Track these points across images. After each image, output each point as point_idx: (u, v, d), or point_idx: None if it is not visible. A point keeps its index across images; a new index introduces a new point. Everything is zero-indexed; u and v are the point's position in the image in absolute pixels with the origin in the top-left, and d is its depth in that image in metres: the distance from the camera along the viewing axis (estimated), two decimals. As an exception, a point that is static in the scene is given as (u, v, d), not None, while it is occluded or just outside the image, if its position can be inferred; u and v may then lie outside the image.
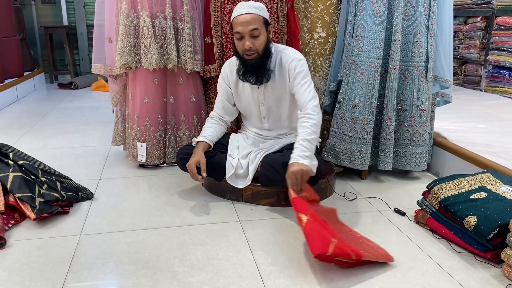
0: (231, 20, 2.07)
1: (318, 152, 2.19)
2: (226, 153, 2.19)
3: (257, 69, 2.06)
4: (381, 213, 2.11)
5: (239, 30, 1.98)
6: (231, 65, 2.19)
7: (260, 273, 1.59)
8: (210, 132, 2.22)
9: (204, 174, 2.07)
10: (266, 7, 2.52)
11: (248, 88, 2.18)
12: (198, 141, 2.18)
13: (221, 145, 2.23)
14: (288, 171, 1.87)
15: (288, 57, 2.08)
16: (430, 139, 2.60)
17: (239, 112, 2.35)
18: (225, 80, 2.24)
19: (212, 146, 2.20)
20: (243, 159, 2.17)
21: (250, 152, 2.18)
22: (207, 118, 2.33)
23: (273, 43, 2.14)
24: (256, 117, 2.26)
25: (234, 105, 2.30)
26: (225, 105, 2.28)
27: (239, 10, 2.00)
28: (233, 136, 2.30)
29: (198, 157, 2.09)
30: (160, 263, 1.64)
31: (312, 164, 1.92)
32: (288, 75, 2.08)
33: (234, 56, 2.15)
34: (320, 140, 2.35)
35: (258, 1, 2.45)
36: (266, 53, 2.05)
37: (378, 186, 2.47)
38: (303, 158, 1.89)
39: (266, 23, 2.03)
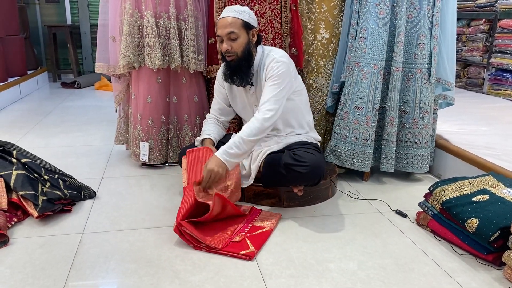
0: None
1: (320, 153, 2.18)
2: None
3: (237, 71, 2.09)
4: (382, 214, 2.12)
5: (219, 33, 2.05)
6: (222, 67, 2.22)
7: (262, 272, 1.59)
8: (211, 130, 2.25)
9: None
10: (270, 8, 2.54)
11: (242, 91, 2.21)
12: (202, 139, 2.21)
13: (223, 145, 2.23)
14: (206, 165, 1.92)
15: (269, 58, 2.08)
16: (432, 141, 2.60)
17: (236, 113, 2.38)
18: (220, 83, 2.28)
19: (216, 143, 2.22)
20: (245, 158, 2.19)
21: (252, 151, 2.18)
22: (204, 120, 2.36)
23: (262, 45, 2.16)
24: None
25: (230, 106, 2.33)
26: (221, 106, 2.31)
27: (222, 13, 2.06)
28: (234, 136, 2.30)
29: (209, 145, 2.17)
30: (162, 262, 1.65)
31: (233, 163, 1.95)
32: (265, 76, 2.09)
33: None
34: (321, 139, 2.35)
35: (255, 4, 2.48)
36: (246, 56, 2.06)
37: (380, 187, 2.47)
38: (226, 155, 1.92)
39: (246, 26, 2.03)
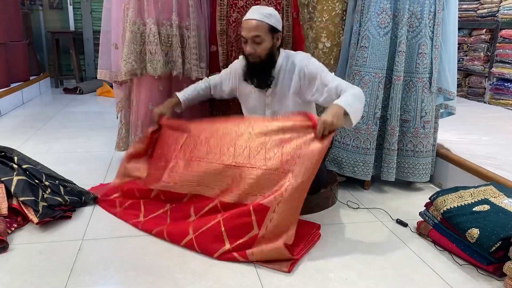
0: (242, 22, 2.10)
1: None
2: None
3: (258, 73, 2.10)
4: (383, 223, 2.11)
5: (243, 34, 2.04)
6: (242, 64, 2.22)
7: (261, 281, 1.59)
8: (191, 93, 2.37)
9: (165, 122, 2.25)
10: (271, 16, 2.55)
11: (258, 92, 2.20)
12: (176, 94, 2.36)
13: None
14: (322, 116, 1.76)
15: (298, 62, 2.08)
16: (433, 151, 2.60)
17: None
18: (232, 74, 2.30)
19: (183, 105, 2.35)
20: None
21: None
22: (204, 78, 2.46)
23: (283, 49, 2.16)
24: None
25: (225, 91, 2.37)
26: (219, 83, 2.37)
27: (248, 14, 2.05)
28: None
29: (164, 109, 2.29)
30: (161, 270, 1.64)
31: (354, 114, 1.82)
32: (299, 76, 2.08)
33: None
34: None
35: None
36: (269, 60, 2.07)
37: (381, 196, 2.46)
38: (345, 103, 1.80)
39: (272, 30, 2.04)
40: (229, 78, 2.32)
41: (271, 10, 2.05)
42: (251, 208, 1.73)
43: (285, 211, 1.70)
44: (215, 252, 1.72)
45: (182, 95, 2.36)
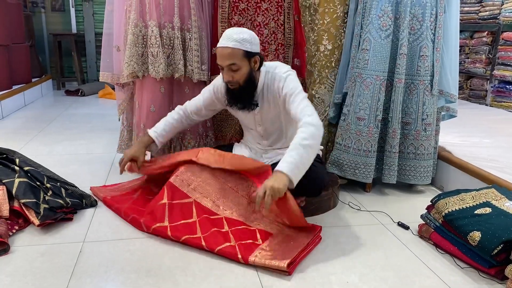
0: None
1: (322, 163, 2.18)
2: None
3: (240, 98, 2.03)
4: (384, 226, 2.11)
5: (218, 62, 1.96)
6: (224, 86, 2.11)
7: (263, 284, 1.58)
8: (164, 128, 2.22)
9: (136, 171, 2.16)
10: (273, 19, 2.56)
11: (245, 111, 2.13)
12: (148, 133, 2.22)
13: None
14: (266, 182, 1.70)
15: (276, 79, 2.00)
16: (435, 153, 2.60)
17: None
18: (217, 94, 2.18)
19: (158, 145, 2.22)
20: None
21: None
22: (176, 108, 2.29)
23: (265, 63, 2.06)
24: (255, 135, 2.26)
25: (211, 109, 2.27)
26: (201, 108, 2.24)
27: (221, 41, 1.93)
28: (237, 148, 2.32)
29: (137, 153, 2.16)
30: (162, 272, 1.64)
31: (297, 174, 1.74)
32: (278, 95, 2.02)
33: None
34: (322, 148, 2.31)
35: (259, 15, 2.44)
36: (249, 84, 1.99)
37: (382, 199, 2.46)
38: (289, 167, 1.71)
39: (248, 54, 1.93)
40: (216, 98, 2.19)
41: (245, 34, 1.93)
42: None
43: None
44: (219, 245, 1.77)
45: (154, 131, 2.20)
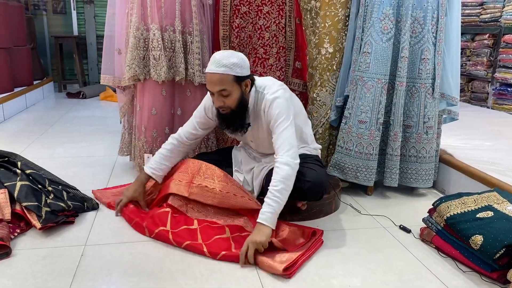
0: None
1: (322, 167, 2.18)
2: (231, 167, 2.24)
3: (232, 122, 2.01)
4: (386, 229, 2.10)
5: (208, 88, 1.92)
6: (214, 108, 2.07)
7: (264, 288, 1.59)
8: (159, 161, 2.17)
9: (145, 209, 2.13)
10: (274, 22, 2.56)
11: (237, 133, 2.12)
12: (144, 171, 2.18)
13: (226, 161, 2.27)
14: (249, 237, 1.75)
15: (264, 101, 1.97)
16: (436, 156, 2.60)
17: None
18: (208, 113, 2.14)
19: (156, 178, 2.17)
20: (247, 174, 2.21)
21: (254, 167, 2.20)
22: (169, 138, 2.23)
23: (255, 84, 2.01)
24: (250, 147, 2.29)
25: (206, 129, 2.22)
26: (196, 131, 2.19)
27: (210, 66, 1.88)
28: (235, 151, 2.33)
29: (135, 194, 2.13)
30: (164, 275, 1.64)
31: (276, 221, 1.82)
32: (266, 119, 2.00)
33: None
34: (320, 147, 2.32)
35: (260, 18, 2.41)
36: (241, 108, 1.96)
37: (384, 202, 2.46)
38: (271, 218, 1.78)
39: (239, 79, 1.89)
40: (209, 117, 2.15)
41: (234, 57, 1.87)
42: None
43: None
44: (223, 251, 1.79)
45: (149, 167, 2.17)
